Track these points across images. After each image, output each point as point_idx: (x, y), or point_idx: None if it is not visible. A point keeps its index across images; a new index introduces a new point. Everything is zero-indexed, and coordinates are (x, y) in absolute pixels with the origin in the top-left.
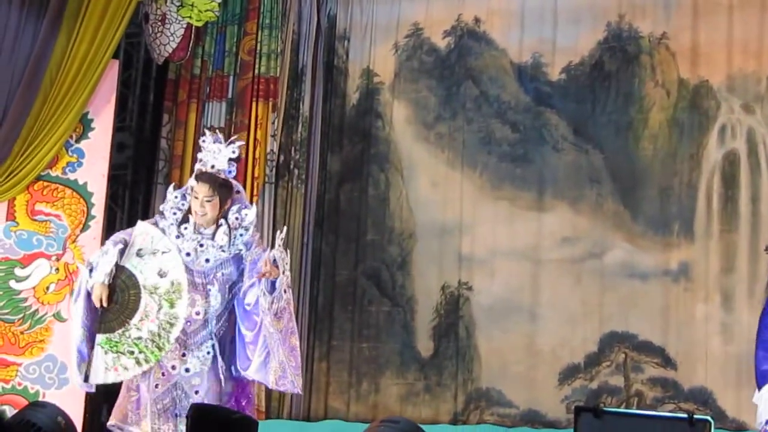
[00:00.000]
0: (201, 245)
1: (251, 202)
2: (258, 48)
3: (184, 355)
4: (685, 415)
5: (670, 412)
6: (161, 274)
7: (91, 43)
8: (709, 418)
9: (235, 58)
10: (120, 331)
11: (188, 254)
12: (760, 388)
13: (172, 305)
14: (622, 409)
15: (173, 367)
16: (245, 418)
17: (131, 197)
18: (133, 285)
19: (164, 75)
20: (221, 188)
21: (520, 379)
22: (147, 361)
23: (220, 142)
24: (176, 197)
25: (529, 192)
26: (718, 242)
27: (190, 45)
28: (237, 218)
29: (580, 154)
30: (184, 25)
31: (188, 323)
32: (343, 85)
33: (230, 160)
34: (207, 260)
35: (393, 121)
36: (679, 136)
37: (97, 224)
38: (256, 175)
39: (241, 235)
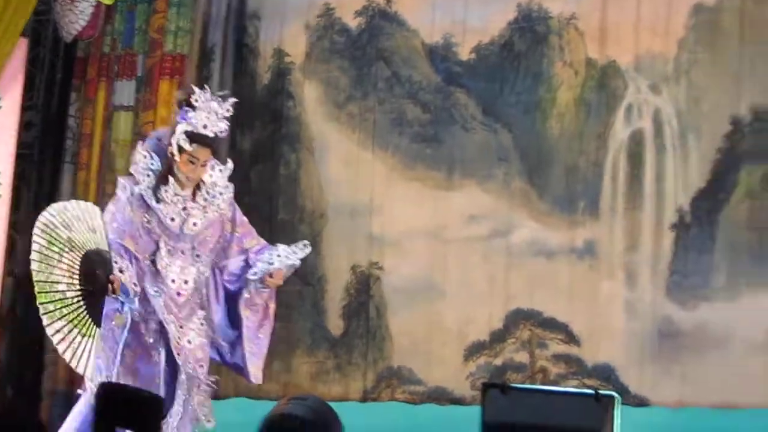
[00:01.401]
0: (184, 209)
1: None
2: (167, 26)
3: (181, 327)
4: (591, 391)
5: (574, 387)
6: (93, 230)
7: None
8: (614, 393)
9: (145, 36)
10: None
11: (173, 219)
12: None
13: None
14: (529, 385)
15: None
16: (152, 396)
17: (38, 176)
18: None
19: (73, 53)
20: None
21: (428, 357)
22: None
23: (215, 101)
24: (145, 156)
25: (439, 172)
26: (622, 220)
27: (100, 23)
28: (210, 176)
29: (489, 134)
30: (94, 3)
31: (179, 294)
32: (253, 65)
33: (225, 119)
34: (195, 224)
35: (304, 102)
36: (586, 115)
37: (3, 204)
38: None
39: (220, 193)
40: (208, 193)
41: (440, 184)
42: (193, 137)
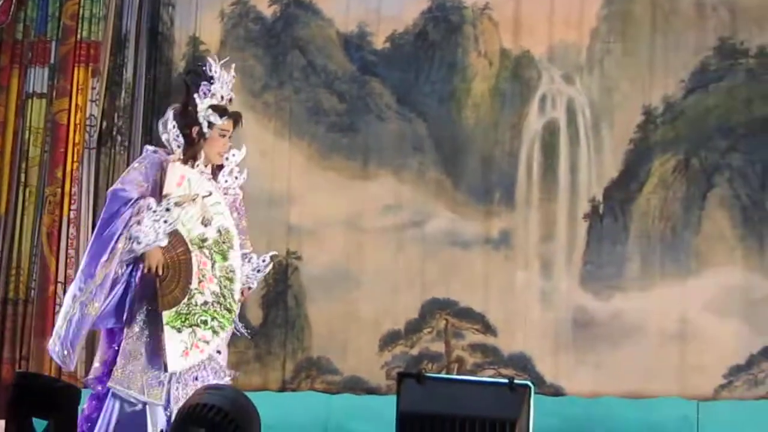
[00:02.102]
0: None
1: (72, 169)
2: (81, 12)
3: None
4: (505, 380)
5: (490, 377)
6: (205, 223)
7: None
8: (529, 383)
9: (58, 22)
10: (185, 300)
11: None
12: None
13: (224, 257)
14: (444, 375)
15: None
16: (69, 386)
17: None
18: (180, 242)
19: None
20: None
21: (344, 347)
22: (222, 329)
23: (224, 69)
24: (174, 126)
25: (355, 161)
26: (537, 211)
27: (12, 9)
28: (225, 156)
29: (404, 123)
30: None
31: None
32: (168, 52)
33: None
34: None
35: None
36: (501, 105)
37: None
38: (76, 141)
39: (236, 177)
40: (231, 173)
41: (356, 174)
42: (219, 110)
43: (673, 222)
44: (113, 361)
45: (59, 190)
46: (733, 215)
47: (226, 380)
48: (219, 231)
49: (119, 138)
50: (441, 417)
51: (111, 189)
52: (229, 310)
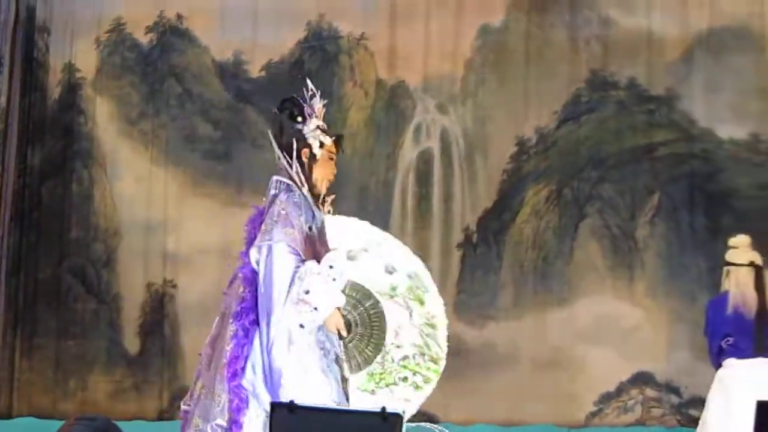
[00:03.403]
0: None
1: None
2: None
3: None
4: (377, 410)
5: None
6: (390, 271)
7: None
8: (400, 411)
9: None
10: (379, 358)
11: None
12: None
13: (421, 302)
14: (316, 404)
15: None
16: None
17: None
18: (365, 296)
19: None
20: None
21: None
22: (427, 382)
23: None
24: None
25: (230, 188)
26: (412, 240)
27: None
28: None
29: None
30: None
31: None
32: (43, 79)
33: None
34: None
35: (96, 117)
36: (376, 135)
37: None
38: None
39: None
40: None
41: (231, 201)
42: (325, 131)
43: (545, 251)
44: None
45: None
46: (603, 245)
47: None
48: (409, 276)
49: None
50: None
51: (278, 244)
52: (435, 360)
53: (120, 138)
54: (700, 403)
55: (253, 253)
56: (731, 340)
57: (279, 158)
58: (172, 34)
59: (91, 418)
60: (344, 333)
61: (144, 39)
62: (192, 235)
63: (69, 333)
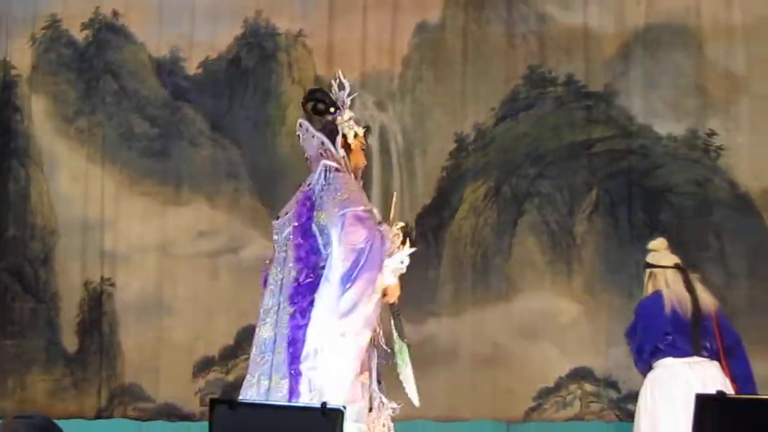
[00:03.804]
0: None
1: None
2: None
3: None
4: (317, 405)
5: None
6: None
7: None
8: (341, 407)
9: None
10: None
11: None
12: None
13: None
14: (257, 401)
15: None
16: None
17: None
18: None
19: None
20: None
21: (158, 373)
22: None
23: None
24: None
25: (168, 186)
26: None
27: None
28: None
29: (218, 149)
30: None
31: None
32: None
33: None
34: None
35: (32, 115)
36: None
37: None
38: None
39: None
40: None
41: (169, 199)
42: (358, 122)
43: (484, 248)
44: None
45: None
46: (542, 241)
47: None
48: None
49: None
50: None
51: (362, 214)
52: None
53: (56, 136)
54: (637, 398)
55: (319, 226)
56: (669, 339)
57: (322, 144)
58: (108, 31)
59: (30, 416)
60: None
61: (80, 36)
62: (130, 233)
63: (7, 332)
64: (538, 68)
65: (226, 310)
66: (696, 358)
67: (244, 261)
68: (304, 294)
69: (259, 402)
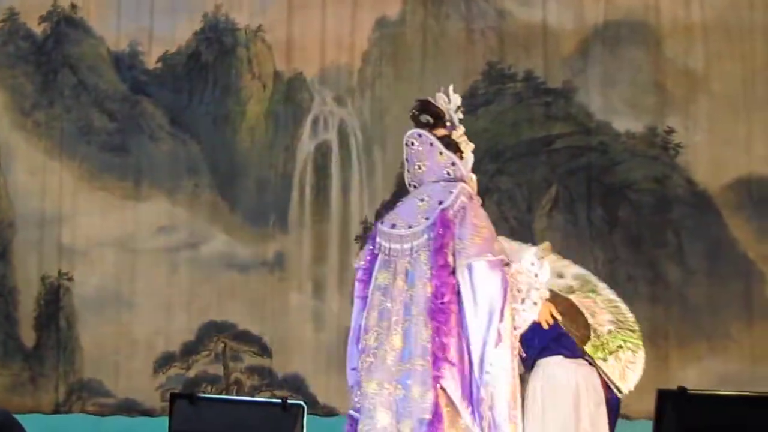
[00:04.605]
0: None
1: None
2: None
3: None
4: (278, 401)
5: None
6: (559, 275)
7: None
8: (302, 403)
9: None
10: (591, 335)
11: None
12: None
13: (595, 293)
14: (217, 395)
15: None
16: None
17: None
18: (553, 295)
19: None
20: None
21: (118, 369)
22: (638, 347)
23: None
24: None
25: (127, 181)
26: (310, 232)
27: None
28: None
29: (178, 144)
30: None
31: None
32: None
33: None
34: None
35: None
36: (275, 128)
37: None
38: None
39: None
40: None
41: (128, 194)
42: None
43: None
44: None
45: None
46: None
47: None
48: (574, 277)
49: None
50: None
51: (496, 262)
52: (633, 330)
53: (13, 129)
54: None
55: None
56: (562, 338)
57: (452, 164)
58: (66, 24)
59: None
60: (558, 317)
61: (38, 29)
62: (88, 228)
63: None
64: (497, 64)
65: (186, 306)
66: (581, 360)
67: (205, 256)
68: (443, 311)
69: (220, 397)
